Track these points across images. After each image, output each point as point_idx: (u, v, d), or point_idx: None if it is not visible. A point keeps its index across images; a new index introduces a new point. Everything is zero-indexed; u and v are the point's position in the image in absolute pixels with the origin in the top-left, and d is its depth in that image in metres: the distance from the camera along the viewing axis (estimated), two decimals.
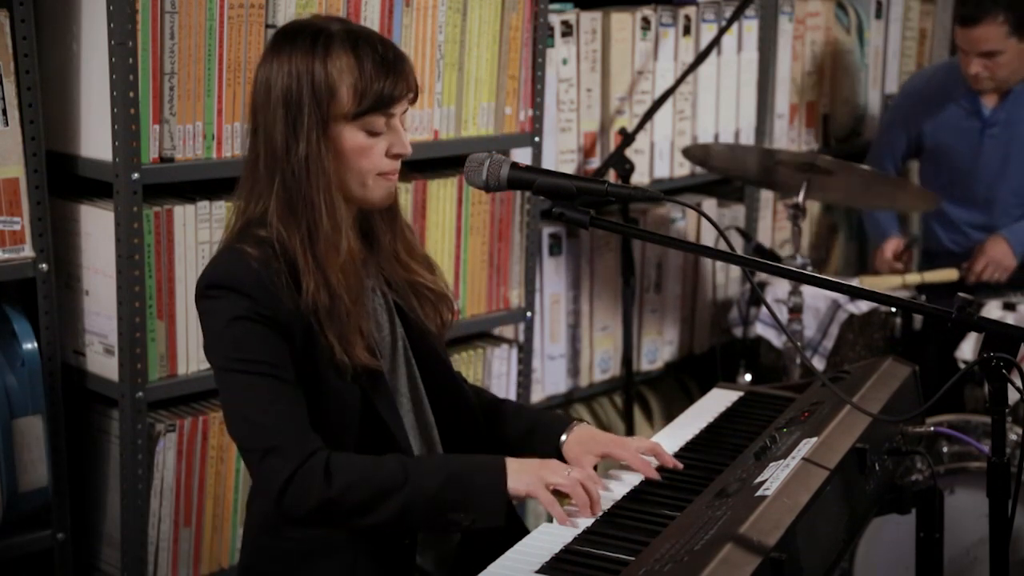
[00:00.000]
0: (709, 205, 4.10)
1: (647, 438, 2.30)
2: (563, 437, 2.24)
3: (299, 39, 2.04)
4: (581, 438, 2.23)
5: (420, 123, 3.02)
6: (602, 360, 3.82)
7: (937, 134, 4.08)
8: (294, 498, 1.96)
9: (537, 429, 2.29)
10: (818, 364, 3.77)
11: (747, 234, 4.06)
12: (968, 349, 3.52)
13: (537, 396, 3.61)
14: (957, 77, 4.03)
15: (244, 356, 2.00)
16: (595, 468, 2.20)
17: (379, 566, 2.09)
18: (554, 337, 3.69)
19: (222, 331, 2.02)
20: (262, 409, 1.99)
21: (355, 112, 2.03)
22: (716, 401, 2.60)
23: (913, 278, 3.96)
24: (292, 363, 2.02)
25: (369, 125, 2.05)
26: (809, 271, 2.86)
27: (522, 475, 2.00)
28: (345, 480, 1.96)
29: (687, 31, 3.87)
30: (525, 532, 2.05)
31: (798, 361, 3.60)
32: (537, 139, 3.31)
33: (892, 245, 4.09)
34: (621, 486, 2.14)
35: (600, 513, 2.03)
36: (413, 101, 2.12)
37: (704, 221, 3.65)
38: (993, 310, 3.56)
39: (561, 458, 2.22)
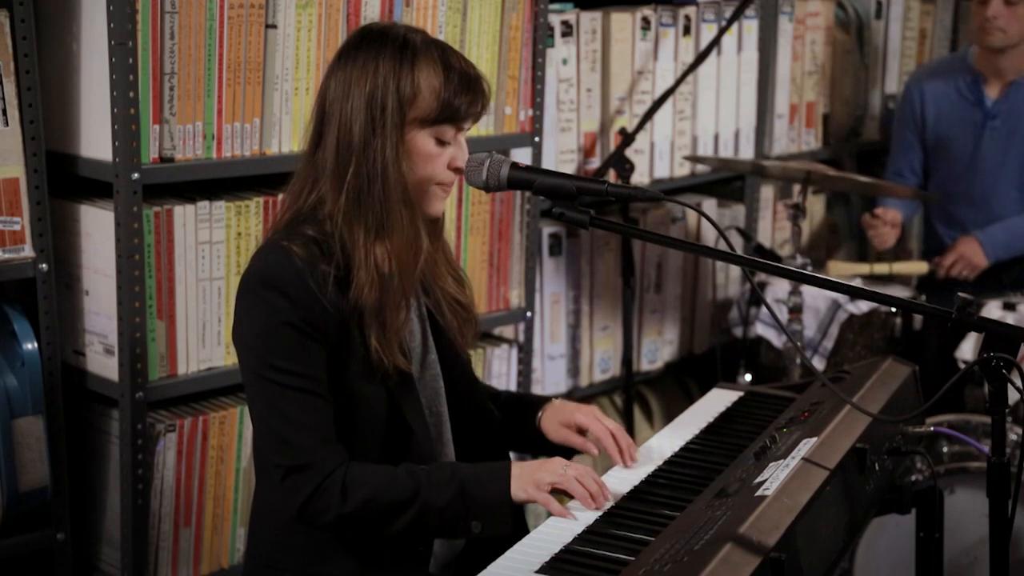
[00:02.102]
0: (709, 205, 4.10)
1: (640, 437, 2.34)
2: (539, 414, 2.34)
3: (386, 44, 2.09)
4: (553, 413, 2.33)
5: None
6: (602, 360, 3.82)
7: (939, 125, 4.07)
8: (313, 515, 2.04)
9: (519, 413, 2.38)
10: (818, 364, 3.77)
11: (747, 234, 4.06)
12: (968, 349, 3.52)
13: None
14: (963, 68, 4.03)
15: (280, 364, 2.03)
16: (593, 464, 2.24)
17: (391, 568, 2.11)
18: (554, 337, 3.69)
19: (261, 333, 2.04)
20: (291, 425, 2.03)
21: (433, 118, 2.07)
22: (716, 401, 2.60)
23: (881, 268, 3.97)
24: (326, 368, 2.06)
25: (441, 134, 2.10)
26: (809, 271, 2.86)
27: (522, 481, 2.05)
28: (360, 497, 2.03)
29: (687, 31, 3.87)
30: (526, 532, 2.06)
31: (798, 361, 3.60)
32: (537, 139, 3.31)
33: (882, 209, 4.06)
34: (621, 486, 2.14)
35: (605, 504, 2.06)
36: (477, 120, 2.17)
37: (704, 221, 3.65)
38: (993, 310, 3.56)
39: (542, 437, 2.32)
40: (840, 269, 3.96)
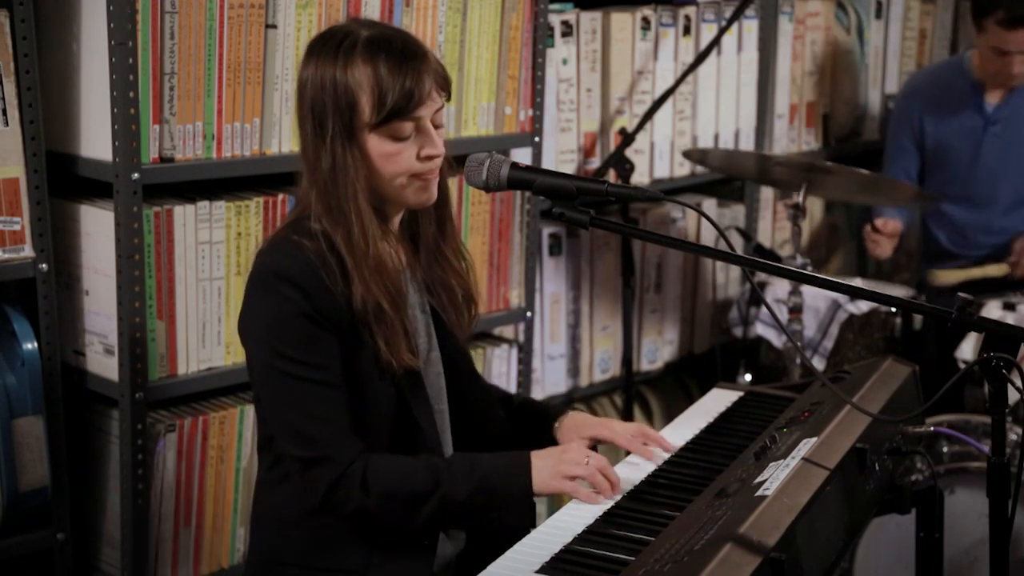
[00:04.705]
0: (709, 205, 4.10)
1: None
2: (556, 424, 2.33)
3: (326, 46, 2.07)
4: (573, 424, 2.33)
5: None
6: (602, 360, 3.82)
7: (939, 131, 4.07)
8: (333, 506, 2.05)
9: (535, 419, 2.38)
10: (818, 364, 3.77)
11: (747, 234, 4.06)
12: (968, 349, 3.52)
13: (537, 396, 3.61)
14: (960, 74, 4.02)
15: (295, 356, 2.03)
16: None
17: (395, 561, 2.12)
18: (554, 337, 3.69)
19: (275, 325, 2.05)
20: (309, 417, 2.04)
21: (376, 122, 2.05)
22: (716, 401, 2.60)
23: (976, 272, 3.91)
24: (339, 360, 2.06)
25: (394, 132, 2.06)
26: (809, 271, 2.86)
27: (544, 474, 2.07)
28: (380, 489, 2.03)
29: (687, 31, 3.87)
30: (533, 525, 2.07)
31: (798, 361, 3.60)
32: (537, 139, 3.31)
33: (882, 221, 4.04)
34: (621, 485, 2.14)
35: (607, 503, 2.07)
36: (447, 98, 2.12)
37: (704, 221, 3.65)
38: (993, 310, 3.56)
39: (555, 443, 2.30)
40: (944, 277, 3.91)
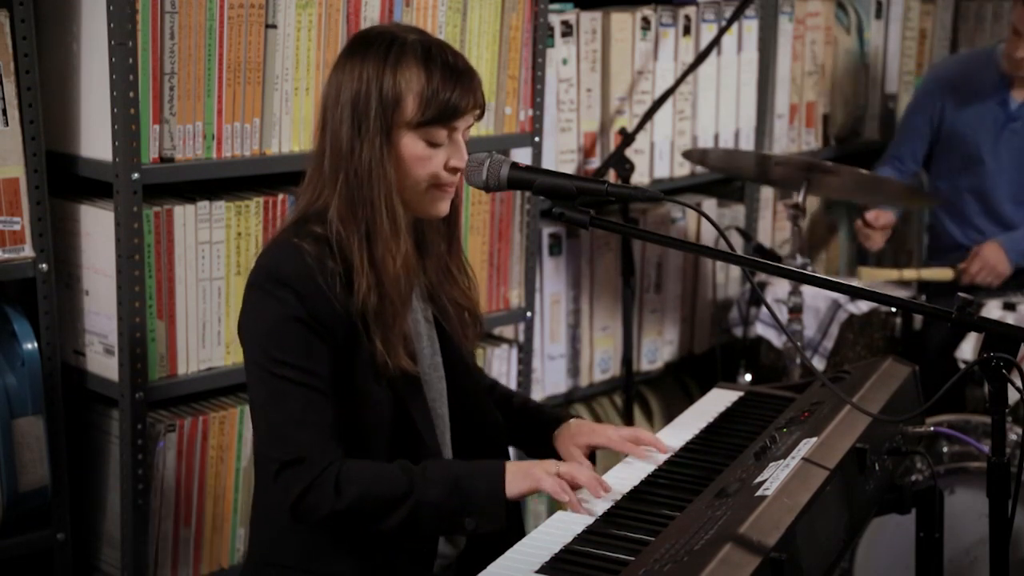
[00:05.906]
0: (709, 205, 4.10)
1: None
2: (555, 434, 2.33)
3: (374, 45, 2.09)
4: (568, 432, 2.33)
5: None
6: (602, 360, 3.82)
7: (957, 120, 4.05)
8: (306, 510, 2.04)
9: (534, 426, 2.38)
10: (818, 364, 3.77)
11: (747, 234, 4.06)
12: (968, 349, 3.52)
13: (537, 396, 3.61)
14: (988, 66, 4.01)
15: (284, 359, 2.03)
16: (593, 462, 2.29)
17: (394, 566, 2.12)
18: (554, 337, 3.69)
19: (269, 327, 2.05)
20: (289, 420, 2.03)
21: (418, 121, 2.07)
22: (716, 401, 2.60)
23: (910, 274, 3.97)
24: (330, 367, 2.06)
25: (430, 136, 2.09)
26: (809, 271, 2.86)
27: (518, 476, 2.06)
28: (353, 493, 2.02)
29: (687, 31, 3.87)
30: (523, 533, 2.07)
31: (798, 361, 3.60)
32: (537, 139, 3.31)
33: (874, 214, 4.03)
34: (621, 485, 2.14)
35: (605, 504, 2.06)
36: (479, 117, 2.16)
37: (704, 221, 3.65)
38: (993, 310, 3.56)
39: (554, 452, 2.31)
40: (871, 275, 3.94)
